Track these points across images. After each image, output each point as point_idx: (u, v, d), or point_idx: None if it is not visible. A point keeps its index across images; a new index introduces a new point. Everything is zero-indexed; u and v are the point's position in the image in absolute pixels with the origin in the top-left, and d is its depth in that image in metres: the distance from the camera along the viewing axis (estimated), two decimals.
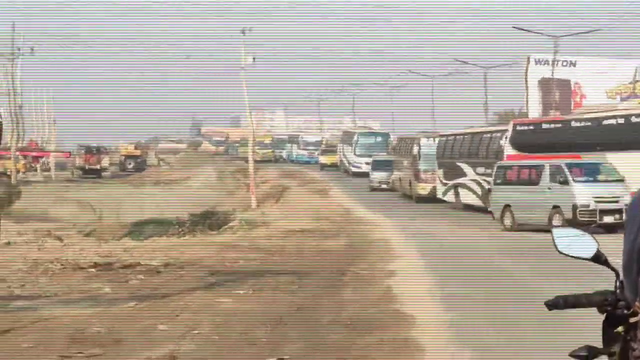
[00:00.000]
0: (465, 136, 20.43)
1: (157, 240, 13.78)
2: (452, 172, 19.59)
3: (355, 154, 31.43)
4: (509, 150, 17.36)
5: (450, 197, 19.89)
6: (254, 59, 22.93)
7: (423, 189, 21.27)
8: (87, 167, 42.16)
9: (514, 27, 28.92)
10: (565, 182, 13.55)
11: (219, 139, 65.33)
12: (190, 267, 9.42)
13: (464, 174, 19.02)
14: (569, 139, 16.16)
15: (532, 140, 17.43)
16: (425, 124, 38.31)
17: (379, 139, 32.00)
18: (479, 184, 18.13)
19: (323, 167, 37.18)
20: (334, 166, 36.04)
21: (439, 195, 20.46)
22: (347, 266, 9.51)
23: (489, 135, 19.17)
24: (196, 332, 5.55)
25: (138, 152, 47.36)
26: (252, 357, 4.85)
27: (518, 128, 18.23)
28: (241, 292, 7.49)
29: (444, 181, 20.22)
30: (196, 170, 37.26)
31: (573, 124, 16.77)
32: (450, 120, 63.26)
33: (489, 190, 15.85)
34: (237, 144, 52.31)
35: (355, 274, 8.92)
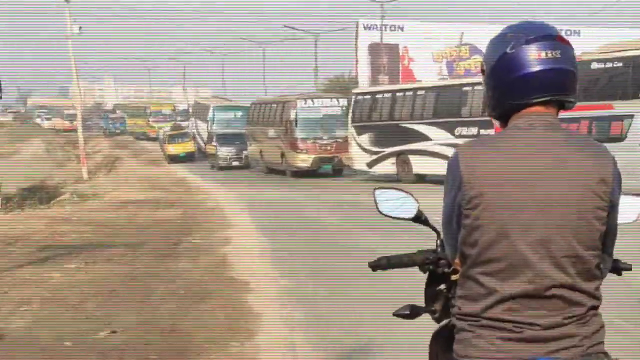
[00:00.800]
0: (410, 92, 16.65)
1: None
2: (391, 136, 16.24)
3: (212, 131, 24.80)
4: None
5: (385, 167, 16.52)
6: (80, 28, 21.70)
7: (303, 161, 18.42)
8: None
9: None
10: None
11: (70, 112, 47.16)
12: (19, 242, 9.01)
13: (426, 138, 15.41)
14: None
15: None
16: (258, 92, 39.11)
17: (239, 113, 25.31)
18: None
19: (173, 159, 26.03)
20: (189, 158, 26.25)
21: (359, 166, 17.40)
22: (183, 236, 9.39)
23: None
24: (24, 308, 5.36)
25: None
26: (84, 331, 4.63)
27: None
28: (72, 265, 7.22)
29: (371, 148, 16.91)
30: (23, 143, 32.27)
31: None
32: (282, 87, 62.79)
33: None
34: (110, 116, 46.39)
35: (190, 243, 8.84)
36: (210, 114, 25.83)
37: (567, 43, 1.42)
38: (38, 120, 52.21)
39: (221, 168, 22.51)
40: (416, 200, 1.71)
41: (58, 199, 15.23)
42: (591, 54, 12.28)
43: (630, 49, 11.55)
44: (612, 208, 1.40)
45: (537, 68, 1.34)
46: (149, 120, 38.12)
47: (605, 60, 11.82)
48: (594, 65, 11.65)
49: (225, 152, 22.64)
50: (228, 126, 24.79)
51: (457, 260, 1.52)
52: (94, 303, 5.56)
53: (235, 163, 22.44)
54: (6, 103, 57.06)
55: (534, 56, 1.35)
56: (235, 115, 25.81)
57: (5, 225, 10.72)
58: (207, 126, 25.58)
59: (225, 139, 22.97)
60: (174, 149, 26.04)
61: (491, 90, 1.43)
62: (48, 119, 52.10)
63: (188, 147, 26.28)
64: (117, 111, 48.48)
